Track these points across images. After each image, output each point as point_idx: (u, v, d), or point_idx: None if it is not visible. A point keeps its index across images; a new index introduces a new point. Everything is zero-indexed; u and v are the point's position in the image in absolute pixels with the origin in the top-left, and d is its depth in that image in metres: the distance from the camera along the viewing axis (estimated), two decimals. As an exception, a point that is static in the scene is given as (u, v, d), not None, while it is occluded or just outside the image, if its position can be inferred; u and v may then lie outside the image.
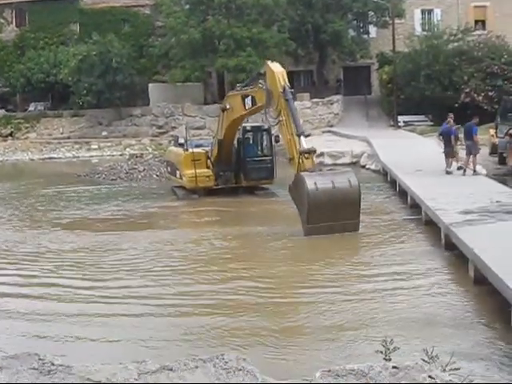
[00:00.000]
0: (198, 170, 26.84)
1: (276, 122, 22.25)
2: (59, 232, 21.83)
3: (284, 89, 21.69)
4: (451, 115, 26.51)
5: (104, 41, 52.16)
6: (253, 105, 24.54)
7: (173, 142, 31.99)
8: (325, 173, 20.29)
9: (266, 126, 27.77)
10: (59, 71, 54.19)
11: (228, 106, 25.99)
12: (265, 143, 27.92)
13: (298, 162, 20.30)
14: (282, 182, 27.49)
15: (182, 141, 29.33)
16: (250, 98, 24.52)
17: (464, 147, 26.21)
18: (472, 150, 25.22)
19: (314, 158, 21.21)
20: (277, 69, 22.62)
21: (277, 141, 28.01)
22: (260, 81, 23.83)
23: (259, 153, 27.86)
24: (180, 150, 28.64)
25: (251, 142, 27.85)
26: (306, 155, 20.42)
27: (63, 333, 12.17)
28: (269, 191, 27.39)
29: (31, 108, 57.63)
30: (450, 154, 25.62)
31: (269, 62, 23.53)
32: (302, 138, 20.99)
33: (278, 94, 21.79)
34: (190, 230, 22.42)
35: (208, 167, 27.24)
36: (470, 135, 25.24)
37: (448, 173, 25.32)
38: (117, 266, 17.16)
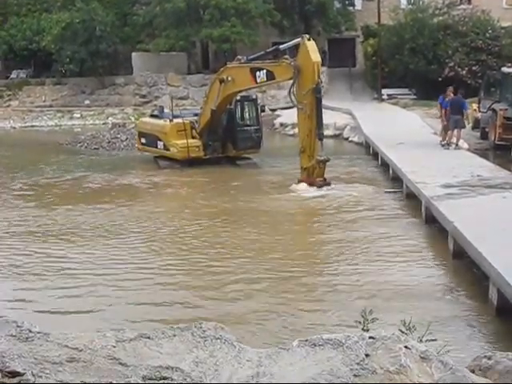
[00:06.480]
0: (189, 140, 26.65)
1: (298, 106, 22.08)
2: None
3: (317, 84, 21.34)
4: (451, 88, 26.58)
5: (88, 8, 51.48)
6: (268, 79, 23.74)
7: (156, 111, 31.49)
8: None
9: (253, 96, 27.73)
10: (42, 38, 53.50)
11: (229, 78, 24.88)
12: (253, 113, 27.75)
13: (312, 168, 21.36)
14: (266, 151, 27.60)
15: (163, 111, 29.13)
16: (264, 71, 23.42)
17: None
18: (459, 125, 25.32)
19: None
20: (315, 57, 21.54)
21: (262, 110, 27.94)
22: (285, 56, 22.99)
23: (248, 122, 27.71)
24: (158, 120, 28.37)
25: (240, 111, 27.65)
26: (321, 165, 21.22)
27: None
28: (251, 162, 27.30)
29: (13, 75, 56.98)
30: (447, 127, 25.76)
31: (306, 40, 21.99)
32: (321, 143, 21.46)
33: (310, 86, 21.33)
34: (167, 201, 22.43)
35: (194, 137, 26.97)
36: (459, 110, 25.33)
37: (444, 146, 25.48)
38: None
